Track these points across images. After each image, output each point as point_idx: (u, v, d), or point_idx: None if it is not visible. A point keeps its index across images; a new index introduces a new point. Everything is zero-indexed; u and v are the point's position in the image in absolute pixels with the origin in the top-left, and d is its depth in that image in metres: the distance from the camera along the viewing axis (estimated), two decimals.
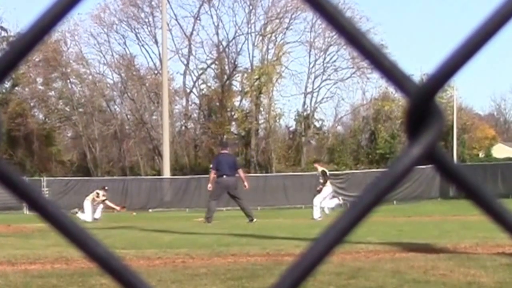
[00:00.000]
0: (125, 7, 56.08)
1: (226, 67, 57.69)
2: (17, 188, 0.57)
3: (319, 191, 21.15)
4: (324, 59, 57.24)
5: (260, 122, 57.18)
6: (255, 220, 17.03)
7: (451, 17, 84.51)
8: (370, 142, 55.99)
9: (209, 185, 17.81)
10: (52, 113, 56.92)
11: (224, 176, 17.18)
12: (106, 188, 25.60)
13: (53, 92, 57.70)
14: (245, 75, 57.09)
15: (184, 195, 36.35)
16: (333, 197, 21.53)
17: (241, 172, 17.93)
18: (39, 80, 56.37)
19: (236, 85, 58.66)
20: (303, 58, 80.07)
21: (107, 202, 24.34)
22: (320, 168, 21.74)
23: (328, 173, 21.41)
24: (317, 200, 20.77)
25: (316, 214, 20.30)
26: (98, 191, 23.95)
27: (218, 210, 21.60)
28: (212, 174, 17.59)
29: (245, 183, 18.05)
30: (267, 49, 56.67)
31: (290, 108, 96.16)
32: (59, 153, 56.34)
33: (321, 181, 21.19)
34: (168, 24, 48.87)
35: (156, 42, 56.04)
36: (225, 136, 55.47)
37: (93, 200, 23.52)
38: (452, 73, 0.60)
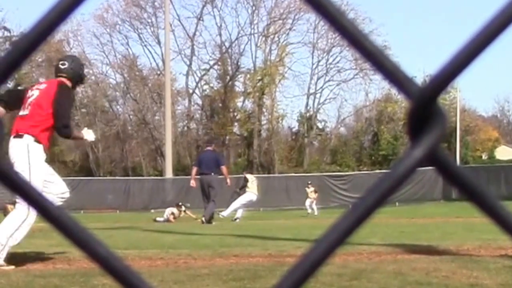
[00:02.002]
0: (128, 8, 56.21)
1: (229, 68, 57.74)
2: (19, 188, 0.57)
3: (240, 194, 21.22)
4: (327, 60, 57.35)
5: (262, 123, 57.23)
6: (212, 224, 16.74)
7: (454, 19, 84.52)
8: (372, 143, 56.01)
9: (192, 181, 17.89)
10: None
11: (202, 174, 17.29)
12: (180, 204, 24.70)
13: None
14: (248, 76, 57.14)
15: (186, 195, 36.37)
16: (245, 205, 21.47)
17: (224, 169, 17.79)
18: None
19: (238, 86, 58.74)
20: (306, 59, 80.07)
21: (189, 213, 23.74)
22: (248, 176, 21.76)
23: (252, 181, 21.45)
24: (238, 201, 20.78)
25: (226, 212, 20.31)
26: (173, 210, 22.99)
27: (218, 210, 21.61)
28: (194, 171, 17.78)
29: (227, 180, 18.16)
30: (270, 50, 56.78)
31: (292, 109, 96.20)
32: (61, 153, 56.39)
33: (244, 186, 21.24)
34: (171, 25, 48.91)
35: (159, 42, 56.17)
36: (227, 137, 55.53)
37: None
38: (454, 75, 0.60)
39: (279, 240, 9.24)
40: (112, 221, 20.48)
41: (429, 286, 4.61)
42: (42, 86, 6.60)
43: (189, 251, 7.40)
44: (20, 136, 6.32)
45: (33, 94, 6.48)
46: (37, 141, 6.32)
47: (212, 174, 17.30)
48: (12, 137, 6.54)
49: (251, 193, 21.11)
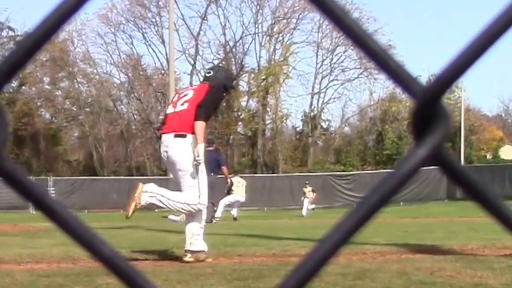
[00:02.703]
0: (132, 7, 56.19)
1: (233, 67, 57.66)
2: (23, 187, 0.57)
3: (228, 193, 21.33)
4: (332, 59, 57.24)
5: (266, 122, 57.18)
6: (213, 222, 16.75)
7: (458, 18, 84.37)
8: (377, 143, 55.93)
9: None
10: (58, 112, 57.04)
11: None
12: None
13: (60, 91, 57.83)
14: (252, 75, 57.10)
15: None
16: (230, 206, 21.59)
17: (224, 170, 17.79)
18: (46, 79, 56.52)
19: (243, 85, 58.66)
20: (310, 59, 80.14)
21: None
22: (233, 179, 21.83)
23: (238, 184, 21.59)
24: (223, 201, 20.89)
25: (218, 213, 20.44)
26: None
27: (225, 210, 21.61)
28: None
29: (228, 181, 18.47)
30: (274, 49, 56.71)
31: (297, 109, 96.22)
32: (65, 153, 56.48)
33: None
34: (175, 24, 48.93)
35: (163, 42, 56.14)
36: (231, 137, 55.53)
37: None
38: (458, 74, 0.60)
39: (283, 239, 9.24)
40: (116, 220, 20.50)
41: (434, 285, 4.60)
42: (195, 87, 7.31)
43: None
44: (183, 136, 6.72)
45: (187, 93, 7.04)
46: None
47: (212, 174, 17.22)
48: (168, 134, 6.79)
49: (237, 195, 21.33)
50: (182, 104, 6.91)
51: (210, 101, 6.98)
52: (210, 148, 18.33)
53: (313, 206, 29.13)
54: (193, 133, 6.74)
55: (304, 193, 29.57)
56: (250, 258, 6.69)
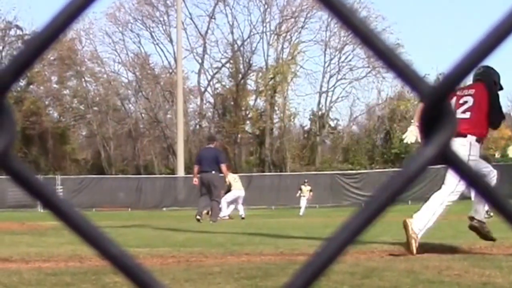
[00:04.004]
0: (140, 6, 56.30)
1: (241, 66, 57.73)
2: (31, 186, 0.57)
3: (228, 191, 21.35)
4: (339, 58, 57.23)
5: (274, 121, 57.19)
6: (215, 221, 16.70)
7: (467, 16, 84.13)
8: (385, 141, 55.88)
9: (194, 179, 17.81)
10: (66, 111, 57.20)
11: (202, 172, 17.17)
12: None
13: (67, 90, 57.99)
14: (260, 74, 57.14)
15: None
16: (233, 203, 21.59)
17: (223, 167, 17.66)
18: (54, 78, 56.70)
19: (250, 84, 58.73)
20: (318, 57, 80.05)
21: None
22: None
23: (233, 180, 21.58)
24: (224, 199, 20.91)
25: (224, 212, 20.47)
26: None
27: (231, 208, 21.65)
28: (195, 169, 17.68)
29: (226, 179, 18.57)
30: (282, 48, 56.72)
31: (304, 108, 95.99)
32: (73, 152, 56.61)
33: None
34: (183, 23, 49.01)
35: (171, 41, 56.27)
36: (239, 136, 55.54)
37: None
38: (466, 73, 0.60)
39: (290, 238, 9.23)
40: (123, 219, 20.55)
41: (441, 284, 4.59)
42: (472, 92, 7.33)
43: (200, 249, 7.41)
44: (463, 136, 7.09)
45: (467, 100, 7.30)
46: (478, 140, 7.21)
47: (213, 172, 17.17)
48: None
49: (236, 190, 21.35)
50: (465, 112, 7.21)
51: (494, 101, 7.30)
52: (210, 145, 18.26)
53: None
54: (474, 133, 7.15)
55: (301, 190, 29.48)
56: (258, 257, 6.69)
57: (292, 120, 58.09)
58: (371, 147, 56.32)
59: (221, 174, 17.81)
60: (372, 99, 60.67)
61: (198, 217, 17.02)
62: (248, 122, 57.52)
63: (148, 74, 57.55)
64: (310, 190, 29.60)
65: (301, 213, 27.37)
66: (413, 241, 6.81)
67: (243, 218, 20.83)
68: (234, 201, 21.77)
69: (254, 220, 18.99)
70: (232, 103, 57.08)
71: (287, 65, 55.55)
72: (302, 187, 29.83)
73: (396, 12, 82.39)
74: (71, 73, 56.70)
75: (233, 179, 21.58)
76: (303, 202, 28.76)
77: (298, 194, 29.67)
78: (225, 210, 20.86)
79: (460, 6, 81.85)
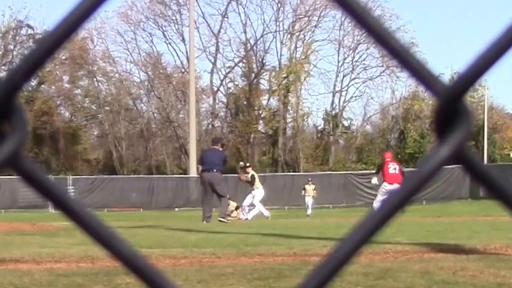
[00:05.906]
0: (152, 5, 56.41)
1: (254, 66, 57.72)
2: (42, 186, 0.57)
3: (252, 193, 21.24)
4: (353, 57, 57.14)
5: (287, 121, 57.16)
6: (224, 221, 16.68)
7: (482, 15, 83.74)
8: (399, 141, 55.72)
9: (200, 180, 17.91)
10: (78, 111, 57.38)
11: (205, 172, 17.19)
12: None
13: (79, 90, 58.18)
14: (273, 73, 57.12)
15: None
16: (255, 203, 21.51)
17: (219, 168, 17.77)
18: (65, 78, 56.89)
19: (263, 84, 58.71)
20: (331, 57, 79.67)
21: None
22: (250, 172, 21.53)
23: (256, 177, 21.36)
24: (247, 201, 20.84)
25: (251, 214, 20.44)
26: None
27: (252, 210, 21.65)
28: (199, 170, 17.76)
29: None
30: (295, 47, 56.68)
31: (318, 107, 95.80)
32: (85, 152, 56.79)
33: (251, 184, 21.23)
34: (195, 22, 49.03)
35: (183, 40, 56.32)
36: (252, 135, 55.52)
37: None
38: (481, 73, 0.59)
39: (304, 239, 9.22)
40: (136, 219, 20.61)
41: (456, 285, 4.57)
42: None
43: (213, 249, 7.41)
44: None
45: None
46: None
47: (215, 171, 17.18)
48: None
49: (261, 188, 21.27)
50: None
51: None
52: (214, 147, 18.26)
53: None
54: None
55: (305, 190, 29.39)
56: (271, 258, 6.69)
57: (306, 119, 58.09)
58: (385, 147, 56.10)
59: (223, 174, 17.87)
60: (386, 99, 60.52)
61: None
62: (261, 121, 57.52)
63: (160, 74, 57.64)
64: (315, 189, 29.55)
65: (308, 213, 27.29)
66: None
67: (267, 218, 20.65)
68: (255, 203, 21.55)
69: (267, 220, 18.98)
70: (245, 102, 57.09)
71: (301, 65, 55.50)
72: (306, 186, 29.78)
73: (410, 10, 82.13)
74: (83, 73, 56.87)
75: (256, 177, 21.49)
76: (309, 202, 28.69)
77: (302, 194, 29.61)
78: (248, 214, 20.86)
79: (475, 4, 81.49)
